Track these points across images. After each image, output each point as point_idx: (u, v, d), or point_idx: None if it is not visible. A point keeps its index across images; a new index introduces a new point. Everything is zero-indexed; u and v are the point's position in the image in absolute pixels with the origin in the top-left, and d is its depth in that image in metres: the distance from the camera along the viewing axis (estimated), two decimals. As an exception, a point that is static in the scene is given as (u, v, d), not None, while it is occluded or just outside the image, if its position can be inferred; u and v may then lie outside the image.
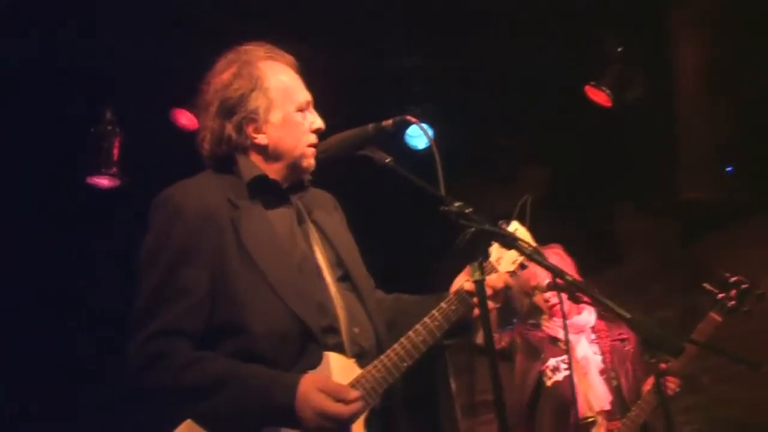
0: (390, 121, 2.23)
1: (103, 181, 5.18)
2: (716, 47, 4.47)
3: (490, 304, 2.28)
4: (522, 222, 2.44)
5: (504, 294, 2.40)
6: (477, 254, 1.93)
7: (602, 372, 3.99)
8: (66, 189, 5.20)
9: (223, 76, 2.40)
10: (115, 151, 5.16)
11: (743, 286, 3.81)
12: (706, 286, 3.86)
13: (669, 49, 4.70)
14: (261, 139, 2.37)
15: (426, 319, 2.28)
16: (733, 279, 3.84)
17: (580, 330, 4.09)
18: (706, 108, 4.58)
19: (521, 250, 1.96)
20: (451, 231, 1.99)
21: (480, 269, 1.91)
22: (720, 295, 3.81)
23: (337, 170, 2.48)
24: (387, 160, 2.21)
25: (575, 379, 3.86)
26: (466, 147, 6.17)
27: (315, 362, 2.16)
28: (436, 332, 2.27)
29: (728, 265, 5.07)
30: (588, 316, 4.17)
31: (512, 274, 2.43)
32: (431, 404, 6.73)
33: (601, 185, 5.86)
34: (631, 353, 4.06)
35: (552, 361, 4.05)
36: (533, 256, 1.95)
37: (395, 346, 2.24)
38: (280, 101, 2.39)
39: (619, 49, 5.05)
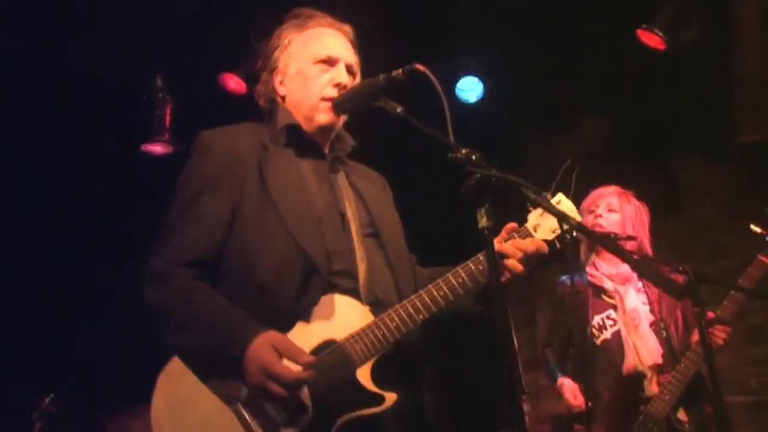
0: (400, 71, 2.18)
1: (157, 148, 5.30)
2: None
3: (515, 266, 2.30)
4: (566, 192, 2.38)
5: (533, 260, 2.35)
6: (483, 200, 1.88)
7: (652, 324, 3.83)
8: (121, 157, 5.33)
9: (268, 39, 2.65)
10: (167, 118, 5.27)
11: None
12: (754, 227, 3.65)
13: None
14: (282, 90, 2.57)
15: (449, 275, 2.29)
16: None
17: (626, 279, 3.91)
18: (763, 49, 4.35)
19: (532, 200, 1.90)
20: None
21: (486, 215, 1.87)
22: None
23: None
24: (399, 110, 2.18)
25: (625, 333, 3.77)
26: (523, 99, 6.08)
27: (317, 297, 2.22)
28: (459, 289, 2.27)
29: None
30: None
31: (549, 242, 2.40)
32: (494, 356, 6.70)
33: (660, 131, 5.69)
34: (680, 302, 3.88)
35: (597, 318, 3.91)
36: (540, 202, 1.90)
37: (413, 297, 2.26)
38: (298, 55, 2.56)
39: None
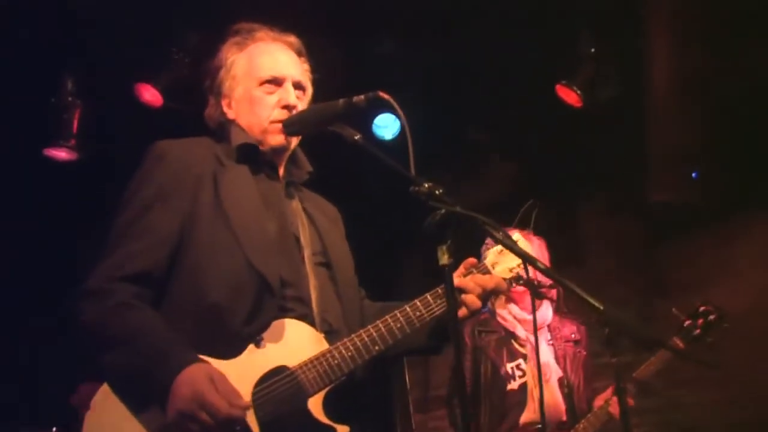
0: (362, 97, 2.16)
1: (61, 154, 5.03)
2: (689, 51, 4.45)
3: (474, 302, 2.30)
4: (523, 230, 2.41)
5: (490, 297, 2.38)
6: (446, 237, 1.85)
7: (559, 380, 3.80)
8: (22, 160, 5.04)
9: (208, 60, 2.57)
10: (75, 123, 5.02)
11: (711, 317, 3.74)
12: (675, 311, 3.80)
13: (642, 51, 4.67)
14: (230, 114, 2.48)
15: (407, 307, 2.27)
16: (702, 308, 3.77)
17: (539, 327, 3.84)
18: (676, 111, 4.57)
19: (495, 238, 1.89)
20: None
21: (448, 253, 1.84)
22: (687, 322, 3.75)
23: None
24: (356, 137, 2.13)
25: (531, 386, 3.72)
26: (436, 141, 6.14)
27: (269, 321, 2.13)
28: (415, 322, 2.25)
29: (689, 270, 5.18)
30: (546, 311, 3.94)
31: (507, 281, 2.41)
32: (385, 397, 6.67)
33: (569, 184, 5.85)
34: (584, 358, 3.91)
35: (508, 366, 3.82)
36: (504, 241, 1.88)
37: (369, 327, 2.22)
38: (242, 77, 2.47)
39: (592, 50, 5.01)
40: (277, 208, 2.35)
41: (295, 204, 2.44)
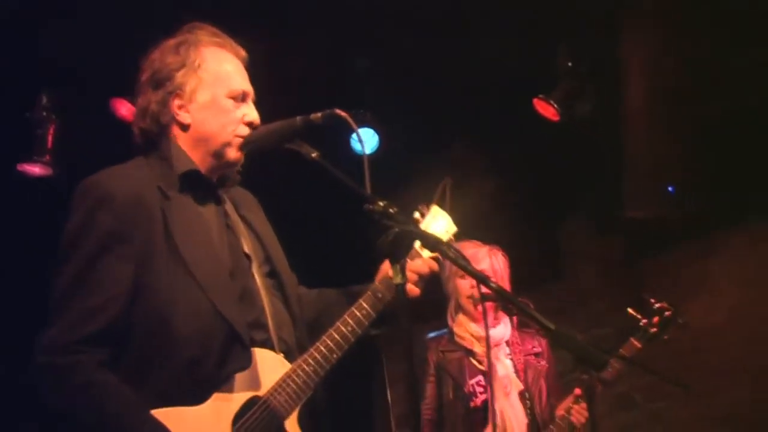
0: (319, 114, 2.14)
1: (35, 169, 4.98)
2: (665, 65, 4.47)
3: (412, 290, 2.29)
4: (441, 206, 2.40)
5: (429, 281, 2.37)
6: (400, 255, 1.83)
7: (519, 393, 3.76)
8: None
9: (159, 51, 2.34)
10: (50, 139, 4.98)
11: (666, 313, 3.73)
12: (630, 311, 3.80)
13: (618, 65, 4.69)
14: (183, 116, 2.28)
15: (353, 309, 2.26)
16: (657, 305, 3.76)
17: (495, 344, 3.84)
18: (651, 127, 4.58)
19: (445, 254, 1.87)
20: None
21: (402, 272, 1.82)
22: (643, 321, 3.74)
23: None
24: (313, 155, 2.11)
25: (492, 401, 3.66)
26: (413, 156, 6.13)
27: (245, 364, 2.11)
28: (364, 321, 2.26)
29: (666, 285, 5.17)
30: (504, 328, 3.91)
31: (437, 259, 2.38)
32: (367, 413, 6.63)
33: (548, 199, 5.85)
34: (546, 369, 3.87)
35: (470, 383, 3.78)
36: (458, 261, 1.86)
37: (324, 338, 2.21)
38: (211, 83, 2.29)
39: (570, 64, 5.01)
40: (225, 234, 2.28)
41: (235, 217, 2.37)
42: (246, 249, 2.30)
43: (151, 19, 4.63)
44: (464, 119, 5.70)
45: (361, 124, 5.78)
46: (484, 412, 3.71)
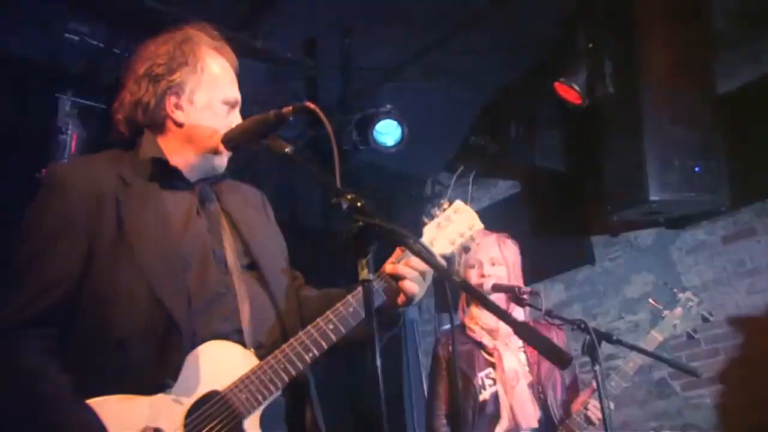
0: (290, 108, 2.09)
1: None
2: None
3: (410, 287, 2.18)
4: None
5: (427, 279, 2.23)
6: (366, 250, 1.77)
7: (530, 385, 3.66)
8: (17, 181, 5.07)
9: (160, 45, 2.32)
10: (73, 144, 5.04)
11: (690, 305, 3.67)
12: (651, 301, 3.73)
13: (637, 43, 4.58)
14: (178, 115, 2.27)
15: (338, 305, 2.15)
16: (681, 297, 3.70)
17: (507, 336, 3.74)
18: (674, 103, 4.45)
19: (409, 247, 1.80)
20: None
21: (368, 267, 1.75)
22: (665, 313, 3.67)
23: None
24: (287, 149, 2.07)
25: (502, 394, 3.61)
26: (440, 146, 6.08)
27: (185, 349, 2.02)
28: (350, 320, 2.13)
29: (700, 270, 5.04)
30: (517, 317, 3.63)
31: (446, 256, 2.28)
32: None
33: (582, 186, 5.75)
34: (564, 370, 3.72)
35: (480, 375, 3.71)
36: (422, 254, 1.79)
37: (300, 334, 2.10)
38: (210, 86, 2.30)
39: (590, 45, 4.91)
40: (194, 222, 2.23)
41: (214, 208, 2.32)
42: (222, 242, 2.24)
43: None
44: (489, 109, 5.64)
45: (385, 116, 5.77)
46: (494, 405, 3.63)
